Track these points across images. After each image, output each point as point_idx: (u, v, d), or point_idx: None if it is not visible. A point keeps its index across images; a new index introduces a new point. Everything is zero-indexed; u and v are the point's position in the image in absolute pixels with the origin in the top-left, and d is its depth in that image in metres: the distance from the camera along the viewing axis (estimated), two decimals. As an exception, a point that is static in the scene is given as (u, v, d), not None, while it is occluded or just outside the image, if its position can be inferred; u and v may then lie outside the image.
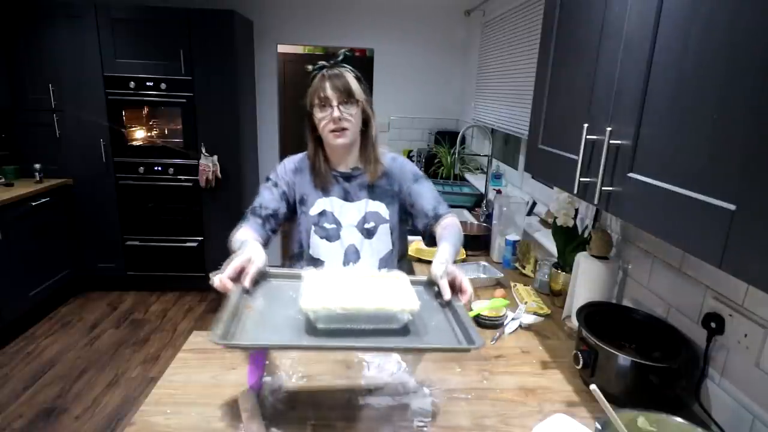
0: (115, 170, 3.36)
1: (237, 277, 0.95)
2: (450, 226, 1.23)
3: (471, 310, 1.38)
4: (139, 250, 3.52)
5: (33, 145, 3.26)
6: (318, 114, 1.22)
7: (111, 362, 2.72)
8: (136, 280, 3.59)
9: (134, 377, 2.59)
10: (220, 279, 0.92)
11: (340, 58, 1.23)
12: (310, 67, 1.24)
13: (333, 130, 1.22)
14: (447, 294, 0.96)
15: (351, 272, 1.00)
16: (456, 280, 0.99)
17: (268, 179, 1.35)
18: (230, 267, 0.94)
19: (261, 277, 0.99)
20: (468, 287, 0.98)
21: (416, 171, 1.37)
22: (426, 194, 1.32)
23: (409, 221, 1.38)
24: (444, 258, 1.04)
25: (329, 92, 1.19)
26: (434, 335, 0.87)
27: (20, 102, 3.18)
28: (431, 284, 1.04)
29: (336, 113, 1.19)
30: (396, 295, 0.89)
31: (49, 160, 3.26)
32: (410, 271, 1.74)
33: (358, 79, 1.24)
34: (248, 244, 1.04)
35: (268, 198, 1.30)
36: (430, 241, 1.31)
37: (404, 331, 0.87)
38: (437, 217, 1.29)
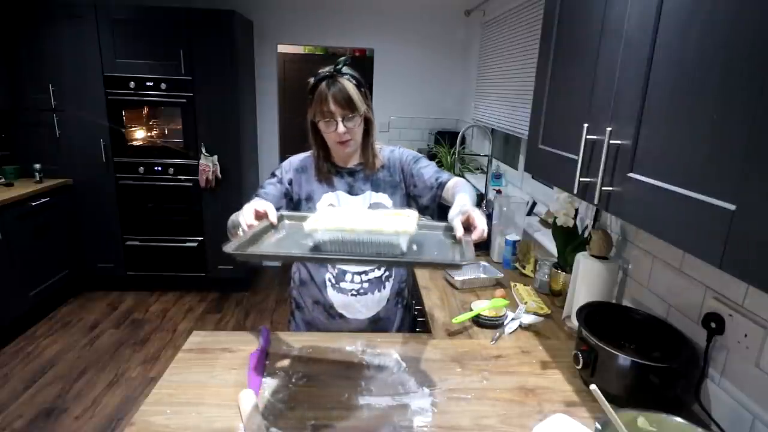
0: (115, 170, 3.36)
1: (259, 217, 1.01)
2: (459, 184, 1.24)
3: (472, 309, 1.39)
4: (139, 250, 3.52)
5: (33, 145, 3.26)
6: (323, 127, 1.25)
7: (111, 362, 2.72)
8: (136, 280, 3.59)
9: (134, 377, 2.59)
10: (246, 222, 0.96)
11: (340, 66, 1.23)
12: (311, 80, 1.24)
13: (338, 142, 1.25)
14: (459, 231, 0.94)
15: (363, 209, 1.05)
16: (469, 218, 0.96)
17: (273, 175, 1.36)
18: (250, 212, 0.99)
19: (279, 220, 1.04)
20: (480, 223, 0.94)
21: (414, 153, 1.40)
22: (426, 170, 1.34)
23: (414, 205, 1.37)
24: (460, 204, 1.03)
25: (332, 107, 1.20)
26: (429, 257, 0.91)
27: (20, 102, 3.19)
28: (450, 229, 1.00)
29: (341, 129, 1.22)
30: (396, 221, 0.90)
31: (49, 160, 3.26)
32: (413, 277, 1.73)
33: (358, 85, 1.24)
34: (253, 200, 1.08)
35: (272, 194, 1.31)
36: (440, 212, 1.29)
37: (403, 257, 0.89)
38: (441, 185, 1.29)
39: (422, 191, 1.34)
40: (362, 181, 1.35)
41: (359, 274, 1.32)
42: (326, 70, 1.23)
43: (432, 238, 0.98)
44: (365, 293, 1.33)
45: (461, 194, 1.12)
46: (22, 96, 3.18)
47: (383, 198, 1.34)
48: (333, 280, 1.34)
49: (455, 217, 0.97)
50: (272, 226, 1.00)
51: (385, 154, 1.38)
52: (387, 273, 1.36)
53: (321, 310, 1.36)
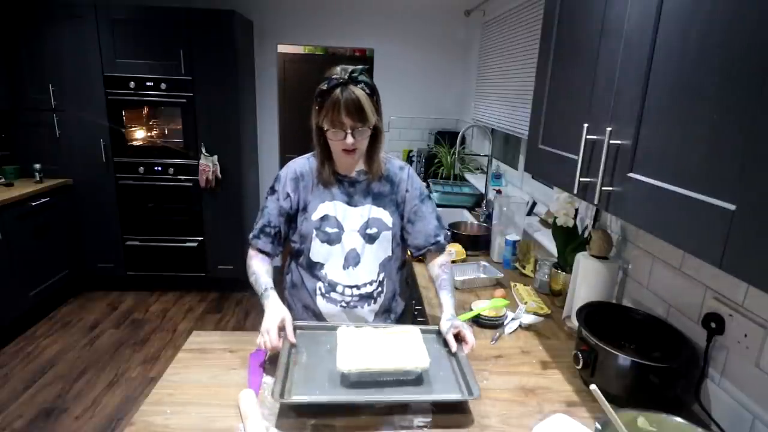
0: (115, 170, 3.36)
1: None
2: (446, 268, 1.33)
3: (472, 309, 1.39)
4: (139, 250, 3.52)
5: (33, 145, 3.26)
6: (330, 135, 1.21)
7: (111, 362, 2.72)
8: (136, 280, 3.59)
9: (134, 377, 2.59)
10: (272, 346, 1.08)
11: (356, 74, 1.17)
12: (325, 86, 1.17)
13: (344, 150, 1.22)
14: (453, 347, 1.12)
15: (373, 330, 1.16)
16: (460, 334, 1.14)
17: (273, 190, 1.34)
18: (274, 334, 1.09)
19: (294, 329, 1.15)
20: (470, 339, 1.13)
21: (424, 190, 1.38)
22: (430, 217, 1.36)
23: (401, 231, 1.38)
24: (449, 314, 1.20)
25: (344, 118, 1.17)
26: (441, 384, 1.04)
27: (20, 102, 3.19)
28: (440, 333, 1.19)
29: (350, 140, 1.19)
30: (410, 353, 1.06)
31: (49, 160, 3.26)
32: (412, 277, 1.74)
33: (371, 94, 1.20)
34: (270, 298, 1.19)
35: (273, 213, 1.32)
36: (417, 257, 1.40)
37: (418, 380, 1.04)
38: (438, 247, 1.36)
39: (416, 235, 1.35)
40: (363, 193, 1.31)
41: (351, 287, 1.30)
42: (340, 75, 1.17)
43: (430, 348, 1.11)
44: (354, 306, 1.31)
45: (445, 295, 1.26)
46: (22, 96, 3.17)
47: (384, 215, 1.31)
48: (323, 290, 1.32)
49: (448, 333, 1.15)
50: (292, 346, 1.11)
51: (392, 169, 1.34)
52: (379, 289, 1.34)
53: (310, 316, 1.35)
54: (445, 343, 1.16)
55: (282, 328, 1.12)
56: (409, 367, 1.02)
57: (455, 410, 0.99)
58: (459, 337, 1.15)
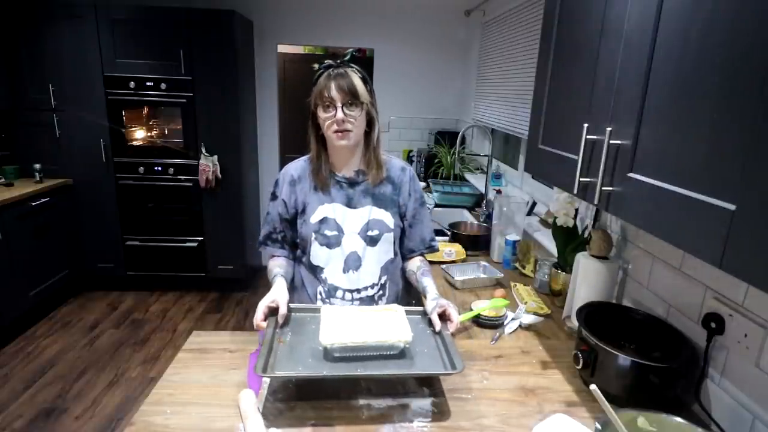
0: (115, 170, 3.36)
1: (273, 312, 1.13)
2: (427, 265, 1.38)
3: (472, 309, 1.39)
4: (139, 250, 3.52)
5: (33, 145, 3.26)
6: (322, 114, 1.21)
7: (111, 362, 2.72)
8: (136, 280, 3.59)
9: (134, 377, 2.59)
10: (256, 323, 1.10)
11: (347, 57, 1.23)
12: (316, 66, 1.22)
13: (336, 131, 1.20)
14: (437, 326, 1.14)
15: (358, 309, 1.17)
16: (445, 312, 1.15)
17: (274, 195, 1.34)
18: (260, 311, 1.10)
19: (287, 311, 1.16)
20: (455, 318, 1.14)
21: (423, 193, 1.42)
22: (426, 221, 1.40)
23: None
24: (434, 294, 1.22)
25: (334, 93, 1.17)
26: (425, 360, 1.05)
27: (20, 102, 3.19)
28: (426, 314, 1.19)
29: (340, 115, 1.17)
30: (393, 327, 1.07)
31: (49, 160, 3.26)
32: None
33: (363, 79, 1.21)
34: (275, 282, 1.21)
35: (276, 219, 1.34)
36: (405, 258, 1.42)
37: (401, 354, 1.05)
38: (432, 250, 1.41)
39: (413, 237, 1.38)
40: (362, 194, 1.30)
41: (351, 291, 1.30)
42: (333, 60, 1.23)
43: (415, 328, 1.11)
44: None
45: (428, 280, 1.28)
46: (22, 96, 3.18)
47: (385, 216, 1.30)
48: (323, 294, 1.32)
49: (433, 311, 1.15)
50: (277, 324, 1.11)
51: (394, 170, 1.34)
52: (381, 292, 1.34)
53: None
54: (430, 323, 1.16)
55: (274, 309, 1.12)
56: (392, 341, 1.03)
57: (455, 411, 0.99)
58: (444, 316, 1.16)
